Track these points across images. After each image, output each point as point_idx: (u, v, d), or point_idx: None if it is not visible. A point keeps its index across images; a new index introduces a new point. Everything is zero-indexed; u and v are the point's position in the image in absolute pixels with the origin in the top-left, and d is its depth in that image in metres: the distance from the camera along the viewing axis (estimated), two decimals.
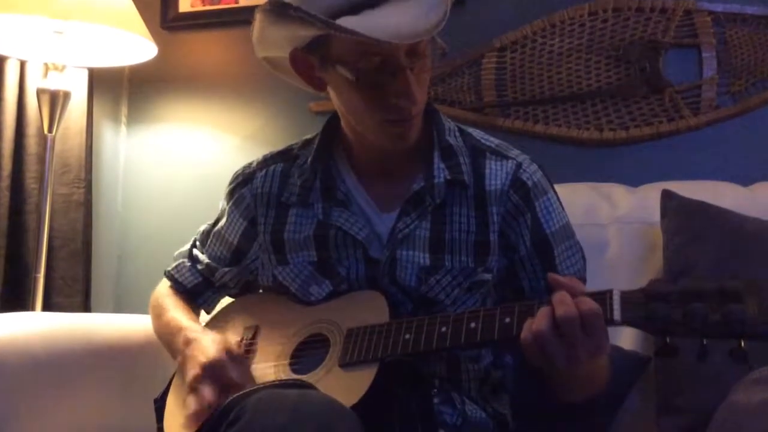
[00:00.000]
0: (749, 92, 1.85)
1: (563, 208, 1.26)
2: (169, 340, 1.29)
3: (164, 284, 1.42)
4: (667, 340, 0.91)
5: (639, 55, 1.91)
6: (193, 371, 1.14)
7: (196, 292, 1.39)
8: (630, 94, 1.91)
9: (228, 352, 1.15)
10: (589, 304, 0.94)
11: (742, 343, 0.87)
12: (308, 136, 1.34)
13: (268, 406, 0.91)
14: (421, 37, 1.09)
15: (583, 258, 1.26)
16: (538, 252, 1.21)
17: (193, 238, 1.44)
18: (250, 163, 1.37)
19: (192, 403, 1.12)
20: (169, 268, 1.42)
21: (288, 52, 1.19)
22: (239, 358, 1.16)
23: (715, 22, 1.88)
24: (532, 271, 1.22)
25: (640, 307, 0.92)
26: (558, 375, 1.09)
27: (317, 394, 0.97)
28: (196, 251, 1.41)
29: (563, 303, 0.94)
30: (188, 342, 1.20)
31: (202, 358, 1.14)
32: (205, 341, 1.18)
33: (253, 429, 0.88)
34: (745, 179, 1.71)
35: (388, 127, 1.17)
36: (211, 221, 1.41)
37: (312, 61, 1.19)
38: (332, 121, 1.30)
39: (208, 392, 1.11)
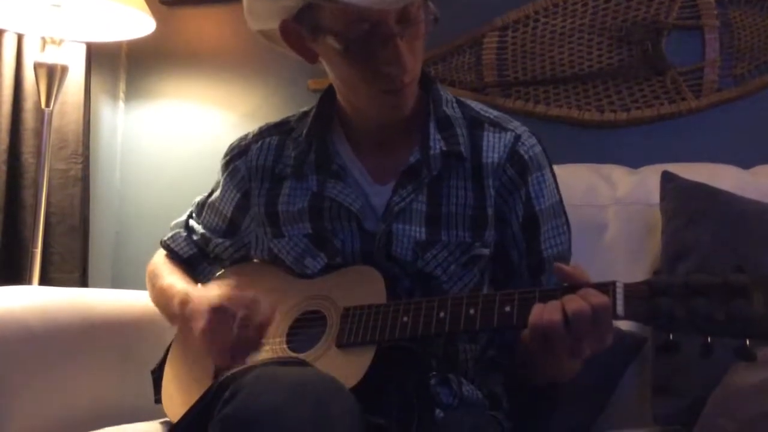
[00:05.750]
0: (752, 75, 1.84)
1: (557, 186, 1.25)
2: (165, 305, 1.28)
3: (160, 254, 1.41)
4: (670, 336, 0.89)
5: (641, 36, 1.89)
6: (199, 323, 1.11)
7: (191, 262, 1.39)
8: (632, 75, 1.90)
9: (231, 298, 1.12)
10: (600, 298, 0.93)
11: (747, 342, 0.85)
12: (305, 109, 1.33)
13: (265, 383, 0.90)
14: (403, 2, 1.07)
15: (569, 234, 1.25)
16: (525, 228, 1.20)
17: (189, 209, 1.43)
18: (246, 135, 1.36)
19: (214, 352, 1.11)
20: (165, 238, 1.41)
21: (278, 24, 1.17)
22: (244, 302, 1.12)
23: (719, 4, 1.86)
24: (520, 248, 1.21)
25: (644, 302, 0.91)
26: (545, 365, 1.09)
27: (315, 373, 0.96)
28: (192, 222, 1.40)
29: (573, 300, 0.94)
30: (185, 303, 1.18)
31: (206, 307, 1.12)
32: (203, 295, 1.16)
33: (249, 407, 0.88)
34: (746, 162, 1.70)
35: (382, 96, 1.15)
36: (207, 193, 1.41)
37: (302, 32, 1.16)
38: (329, 93, 1.28)
39: (224, 335, 1.09)
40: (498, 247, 1.21)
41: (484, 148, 1.20)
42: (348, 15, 1.08)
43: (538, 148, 1.23)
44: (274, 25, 1.19)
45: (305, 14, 1.13)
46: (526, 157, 1.20)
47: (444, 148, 1.19)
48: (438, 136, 1.19)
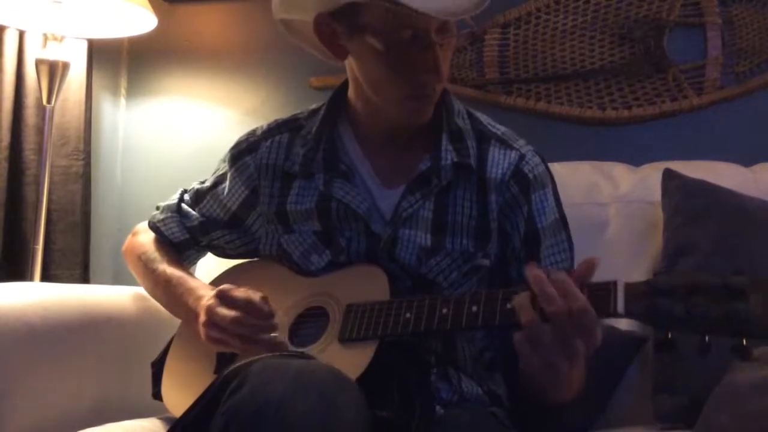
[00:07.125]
0: (753, 73, 1.84)
1: (559, 204, 1.26)
2: (174, 297, 1.28)
3: (147, 234, 1.41)
4: (669, 335, 0.90)
5: (643, 34, 1.89)
6: (206, 304, 1.15)
7: (179, 248, 1.39)
8: (633, 72, 1.90)
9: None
10: (577, 303, 0.92)
11: (745, 340, 0.86)
12: (314, 106, 1.33)
13: (270, 375, 0.91)
14: (469, 13, 1.10)
15: (572, 251, 1.25)
16: (527, 245, 1.22)
17: (179, 193, 1.42)
18: (255, 131, 1.35)
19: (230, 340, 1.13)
20: (155, 220, 1.40)
21: (312, 16, 1.17)
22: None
23: (721, 2, 1.87)
24: (520, 263, 1.22)
25: (644, 301, 0.91)
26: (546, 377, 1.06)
27: (320, 364, 0.97)
28: (186, 207, 1.39)
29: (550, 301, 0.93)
30: (200, 298, 1.20)
31: (212, 292, 1.16)
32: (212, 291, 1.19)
33: (255, 398, 0.88)
34: (747, 160, 1.71)
35: (408, 102, 1.17)
36: (203, 180, 1.40)
37: (337, 28, 1.16)
38: (339, 92, 1.29)
39: (227, 313, 1.12)
40: (498, 260, 1.23)
41: (489, 162, 1.22)
42: (394, 19, 1.09)
43: (541, 167, 1.25)
44: (306, 16, 1.18)
45: (346, 11, 1.13)
46: (530, 176, 1.22)
47: (455, 159, 1.21)
48: (450, 147, 1.21)
